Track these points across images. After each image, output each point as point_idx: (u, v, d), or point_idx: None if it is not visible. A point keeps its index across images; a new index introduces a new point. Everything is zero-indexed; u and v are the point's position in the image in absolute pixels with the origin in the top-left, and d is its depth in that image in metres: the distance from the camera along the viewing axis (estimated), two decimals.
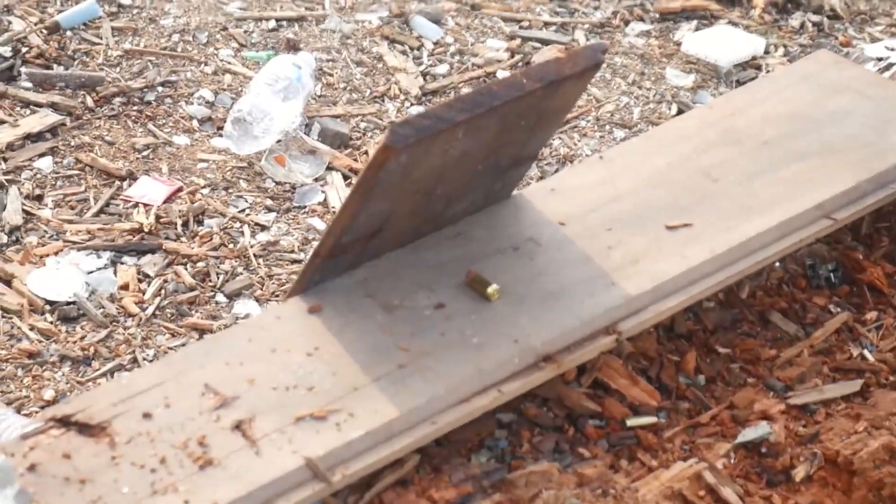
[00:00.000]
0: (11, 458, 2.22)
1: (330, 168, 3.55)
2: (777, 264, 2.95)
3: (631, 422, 2.61)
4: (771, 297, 2.90)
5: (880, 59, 3.68)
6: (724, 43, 4.10)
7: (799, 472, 2.53)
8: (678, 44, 4.13)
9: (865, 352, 2.79)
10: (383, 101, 3.82)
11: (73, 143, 3.54)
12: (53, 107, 3.64)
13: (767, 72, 3.97)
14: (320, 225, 3.35)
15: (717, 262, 2.73)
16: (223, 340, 2.54)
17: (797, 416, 2.64)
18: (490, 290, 2.60)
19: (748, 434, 2.58)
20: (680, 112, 3.80)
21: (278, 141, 3.57)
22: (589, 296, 2.63)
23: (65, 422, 2.32)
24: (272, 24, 4.08)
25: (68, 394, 2.85)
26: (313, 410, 2.37)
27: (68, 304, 3.08)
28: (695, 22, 4.23)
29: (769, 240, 2.79)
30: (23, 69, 3.75)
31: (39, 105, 3.65)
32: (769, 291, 2.92)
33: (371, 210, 2.51)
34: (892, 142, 3.01)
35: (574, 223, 2.80)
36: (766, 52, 4.11)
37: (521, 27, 4.16)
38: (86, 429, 2.31)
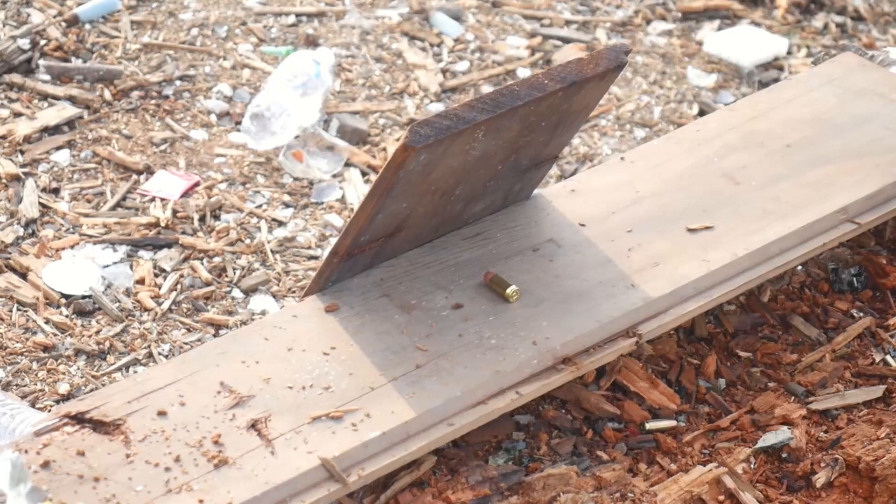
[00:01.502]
0: (25, 455, 2.21)
1: (348, 164, 3.53)
2: (799, 268, 2.93)
3: (650, 425, 2.59)
4: (793, 301, 2.88)
5: None
6: (747, 43, 4.08)
7: (820, 478, 2.51)
8: (700, 43, 4.10)
9: (888, 357, 2.77)
10: (402, 97, 3.80)
11: (90, 137, 3.53)
12: (71, 100, 3.63)
13: (790, 72, 3.94)
14: (338, 221, 3.34)
15: (738, 265, 2.71)
16: (239, 339, 2.52)
17: (818, 422, 2.62)
18: (509, 291, 2.58)
19: (769, 439, 2.56)
20: (701, 112, 3.78)
21: (296, 137, 3.55)
22: (609, 298, 2.61)
23: (79, 419, 2.30)
24: (291, 19, 4.06)
25: (83, 388, 2.84)
26: (329, 410, 2.35)
27: (84, 297, 3.06)
28: (717, 21, 4.21)
29: (791, 244, 2.77)
30: (41, 62, 3.74)
31: (57, 98, 3.63)
32: (791, 295, 2.90)
33: (389, 210, 2.50)
34: None
35: (594, 225, 2.77)
36: (789, 52, 4.08)
37: (541, 25, 4.14)
38: (100, 426, 2.30)
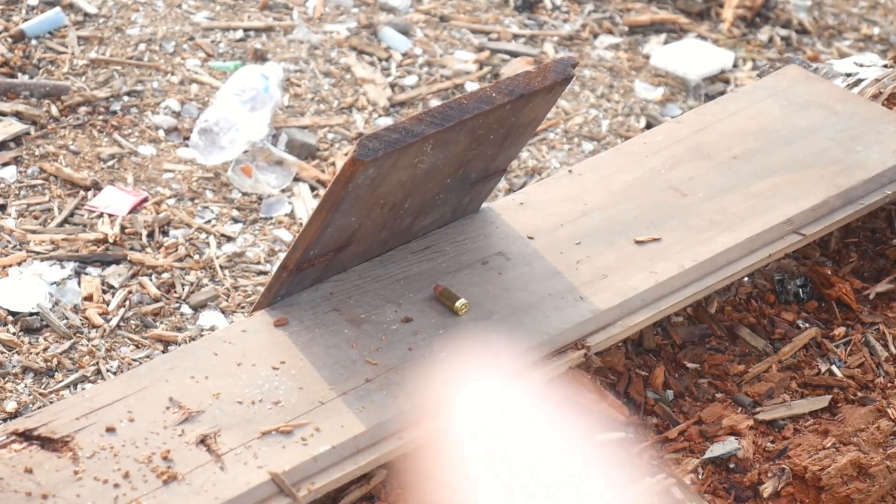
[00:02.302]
0: None
1: (297, 179, 3.53)
2: (746, 279, 2.95)
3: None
4: (739, 313, 2.90)
5: (849, 75, 3.68)
6: (693, 56, 4.11)
7: (767, 488, 2.52)
8: (647, 57, 4.13)
9: (833, 367, 2.79)
10: (351, 112, 3.81)
11: (37, 153, 3.51)
12: (18, 116, 3.61)
13: (736, 85, 3.97)
14: (287, 236, 3.33)
15: (685, 276, 2.72)
16: (188, 354, 2.51)
17: (765, 432, 2.63)
18: (458, 304, 2.59)
19: (716, 449, 2.57)
20: (649, 125, 3.80)
21: (245, 151, 3.55)
22: (557, 310, 2.62)
23: (27, 436, 2.28)
24: (240, 34, 4.05)
25: (31, 405, 2.82)
26: (279, 425, 2.35)
27: (31, 314, 3.05)
28: (664, 35, 4.23)
29: (738, 255, 2.78)
30: None
31: (3, 114, 3.61)
32: (738, 307, 2.91)
33: (338, 224, 2.50)
34: (860, 158, 3.01)
35: (543, 237, 2.78)
36: (735, 65, 4.11)
37: (489, 39, 4.15)
38: (48, 443, 2.28)
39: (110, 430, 2.32)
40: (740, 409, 2.68)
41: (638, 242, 2.77)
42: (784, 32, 4.28)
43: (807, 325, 2.89)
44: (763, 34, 4.27)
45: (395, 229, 2.68)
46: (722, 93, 3.90)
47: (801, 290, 2.96)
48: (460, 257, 2.73)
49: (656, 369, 2.74)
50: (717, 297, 2.89)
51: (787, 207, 2.86)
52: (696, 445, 2.60)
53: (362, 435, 2.35)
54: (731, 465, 2.56)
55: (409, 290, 2.64)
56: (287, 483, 2.26)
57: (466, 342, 2.53)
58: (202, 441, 2.32)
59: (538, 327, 2.58)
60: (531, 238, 2.78)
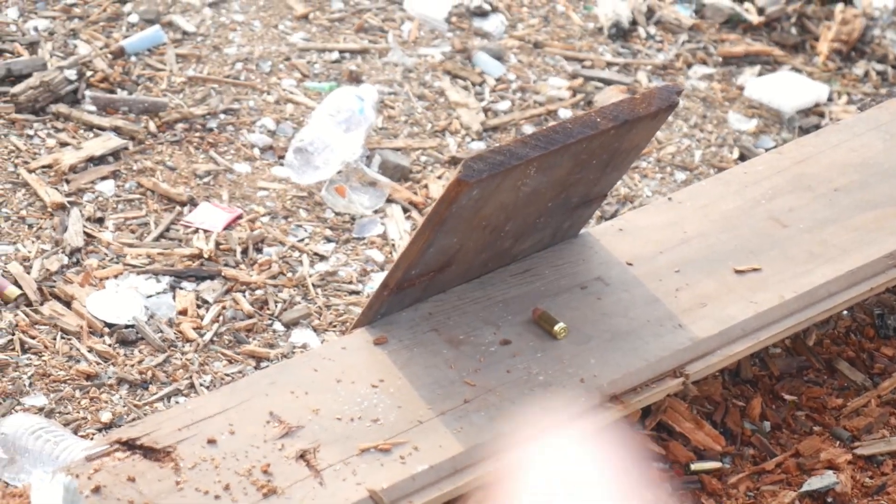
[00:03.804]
0: (76, 480, 2.21)
1: (389, 200, 3.53)
2: (845, 313, 2.93)
3: (695, 466, 2.59)
4: (838, 346, 2.88)
5: None
6: (788, 88, 4.08)
7: None
8: (741, 88, 4.11)
9: None
10: (444, 135, 3.82)
11: (135, 168, 3.54)
12: (116, 131, 3.65)
13: (831, 119, 3.95)
14: (379, 257, 3.34)
15: (785, 308, 2.71)
16: (288, 369, 2.53)
17: (864, 467, 2.61)
18: (557, 328, 2.59)
19: (814, 483, 2.55)
20: (742, 156, 3.78)
21: (339, 172, 3.56)
22: (656, 337, 2.61)
23: (130, 445, 2.31)
24: (335, 55, 4.07)
25: (125, 416, 2.84)
26: (378, 443, 2.36)
27: (127, 327, 3.07)
28: (758, 67, 4.21)
29: (838, 288, 2.77)
30: (87, 92, 3.76)
31: (103, 129, 3.65)
32: (836, 340, 2.90)
33: (440, 244, 2.50)
34: None
35: (642, 264, 2.78)
36: (830, 99, 4.09)
37: (583, 66, 4.15)
38: (151, 453, 2.30)
39: (211, 441, 2.34)
40: (838, 442, 2.66)
41: (738, 272, 2.77)
42: (880, 67, 4.25)
43: None
44: (858, 68, 4.24)
45: (495, 251, 2.69)
46: (817, 126, 3.87)
47: None
48: (559, 281, 2.73)
49: (753, 400, 2.73)
50: (815, 329, 2.87)
51: (889, 241, 2.85)
52: (793, 478, 2.58)
53: (460, 455, 2.36)
54: (829, 500, 2.55)
55: (507, 313, 2.65)
56: (385, 500, 2.27)
57: (564, 366, 2.53)
58: (302, 456, 2.33)
59: (637, 354, 2.58)
60: (630, 264, 2.78)
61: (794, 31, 4.41)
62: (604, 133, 2.53)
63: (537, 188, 2.55)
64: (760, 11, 4.44)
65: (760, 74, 4.19)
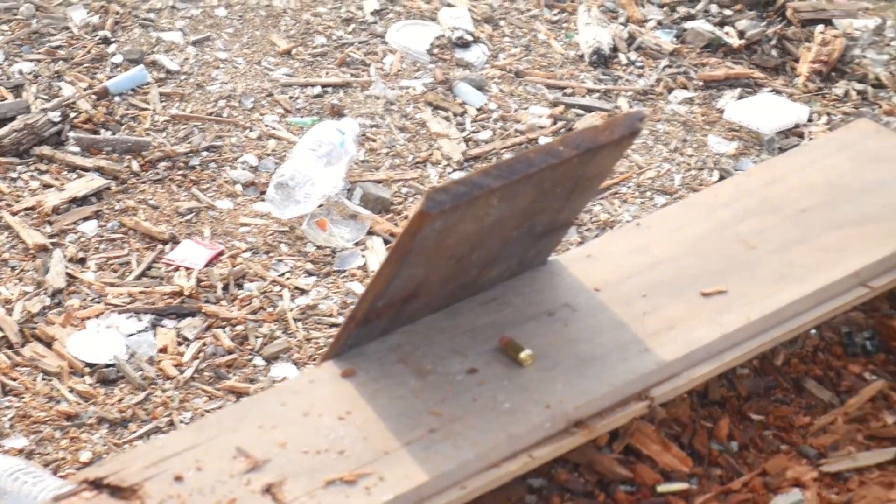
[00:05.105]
0: None
1: (371, 233, 3.56)
2: (813, 332, 2.95)
3: (662, 488, 2.61)
4: (806, 365, 2.89)
5: None
6: (768, 110, 4.10)
7: None
8: (721, 111, 4.13)
9: None
10: (425, 166, 3.85)
11: (117, 207, 3.58)
12: (99, 171, 3.69)
13: (810, 139, 3.96)
14: (360, 289, 3.37)
15: (751, 329, 2.73)
16: (256, 404, 2.55)
17: (830, 484, 2.63)
18: (523, 355, 2.61)
19: (780, 501, 2.57)
20: (722, 179, 3.80)
21: (320, 205, 3.59)
22: (622, 361, 2.63)
23: (97, 484, 2.33)
24: (317, 90, 4.11)
25: (105, 456, 2.87)
26: (343, 474, 2.38)
27: (108, 366, 3.10)
28: (738, 90, 4.24)
29: (805, 307, 2.79)
30: (71, 134, 3.80)
31: (86, 169, 3.69)
32: (804, 359, 2.91)
33: (406, 275, 2.53)
34: None
35: (610, 289, 2.80)
36: (810, 120, 4.11)
37: (564, 94, 4.18)
38: (117, 491, 2.33)
39: (178, 478, 2.36)
40: (805, 460, 2.68)
41: (704, 294, 2.79)
42: (860, 86, 4.26)
43: (874, 377, 2.88)
44: (839, 88, 4.26)
45: (462, 281, 2.71)
46: (796, 146, 3.89)
47: (868, 342, 2.95)
48: (527, 309, 2.76)
49: (721, 421, 2.75)
50: (783, 349, 2.89)
51: (855, 260, 2.86)
52: (759, 497, 2.59)
53: (425, 485, 2.38)
54: None
55: (475, 342, 2.67)
56: None
57: (531, 393, 2.55)
58: (267, 490, 2.35)
59: (603, 378, 2.60)
60: (598, 290, 2.80)
61: (774, 53, 4.43)
62: (566, 162, 2.55)
63: (501, 217, 2.57)
64: (741, 35, 4.47)
65: (741, 97, 4.21)
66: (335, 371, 2.60)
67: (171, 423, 2.97)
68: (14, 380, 3.05)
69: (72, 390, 3.04)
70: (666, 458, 2.63)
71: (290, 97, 4.08)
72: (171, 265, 3.42)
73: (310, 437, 2.45)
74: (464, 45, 4.37)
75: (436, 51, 4.34)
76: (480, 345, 2.66)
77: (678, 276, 2.84)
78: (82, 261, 3.41)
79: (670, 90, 4.25)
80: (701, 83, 4.28)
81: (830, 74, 4.34)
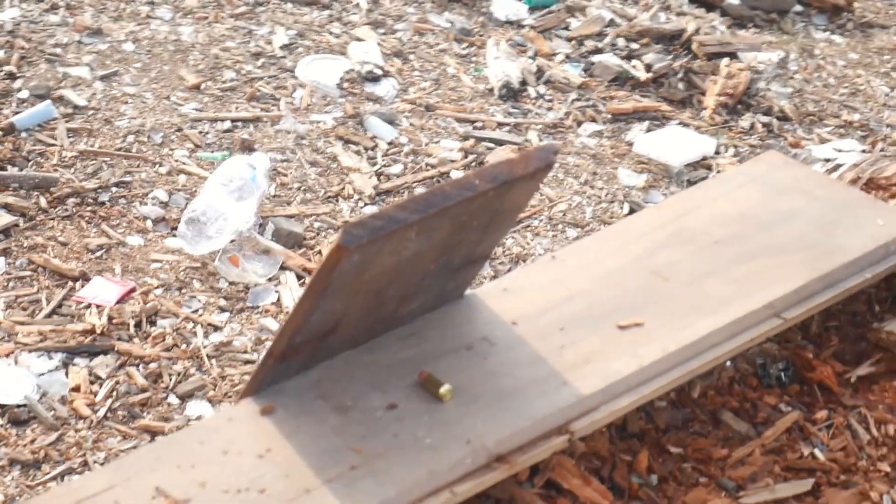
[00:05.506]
0: None
1: (283, 268, 3.55)
2: (728, 363, 2.97)
3: None
4: (722, 397, 2.92)
5: (828, 160, 3.73)
6: (676, 143, 4.15)
7: None
8: (630, 144, 4.17)
9: (816, 451, 2.80)
10: (337, 200, 3.84)
11: (26, 244, 3.53)
12: (7, 208, 3.64)
13: (718, 171, 4.01)
14: (273, 325, 3.35)
15: (668, 361, 2.74)
16: (175, 443, 2.52)
17: None
18: (442, 390, 2.60)
19: None
20: (632, 211, 3.83)
21: (232, 241, 3.57)
22: (541, 395, 2.64)
23: None
24: (227, 125, 4.09)
25: (18, 498, 2.82)
26: None
27: (18, 406, 3.05)
28: (646, 123, 4.28)
29: (720, 339, 2.81)
30: None
31: None
32: (720, 390, 2.93)
33: (324, 310, 2.52)
34: (840, 242, 3.04)
35: (527, 323, 2.81)
36: (717, 152, 4.16)
37: (474, 127, 4.20)
38: None
39: None
40: (724, 493, 2.69)
41: (621, 327, 2.80)
42: (765, 119, 4.33)
43: (789, 408, 2.91)
44: (745, 121, 4.32)
45: (381, 315, 2.70)
46: (705, 178, 3.94)
47: (783, 373, 2.98)
48: (445, 343, 2.75)
49: (640, 454, 2.76)
50: (699, 381, 2.91)
51: (768, 291, 2.89)
52: None
53: None
54: None
55: (395, 377, 2.66)
56: None
57: (451, 428, 2.55)
58: None
59: (522, 413, 2.60)
60: (515, 324, 2.80)
61: (681, 86, 4.49)
62: (482, 195, 2.56)
63: (419, 251, 2.57)
64: (648, 68, 4.52)
65: (649, 130, 4.25)
66: (254, 408, 2.58)
67: (85, 464, 2.93)
68: None
69: None
70: (586, 493, 2.63)
71: (200, 132, 4.06)
72: (82, 303, 3.38)
73: (230, 477, 2.43)
74: (374, 79, 4.38)
75: (346, 85, 4.35)
76: (400, 380, 2.66)
77: (594, 309, 2.85)
78: None
79: (580, 123, 4.28)
80: (609, 116, 4.32)
81: (736, 107, 4.40)
